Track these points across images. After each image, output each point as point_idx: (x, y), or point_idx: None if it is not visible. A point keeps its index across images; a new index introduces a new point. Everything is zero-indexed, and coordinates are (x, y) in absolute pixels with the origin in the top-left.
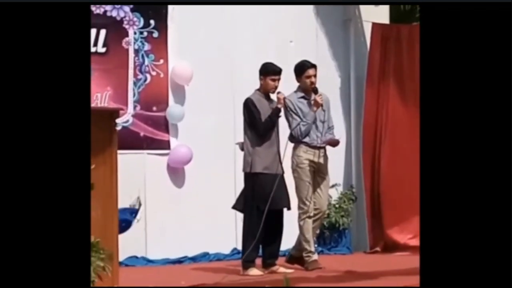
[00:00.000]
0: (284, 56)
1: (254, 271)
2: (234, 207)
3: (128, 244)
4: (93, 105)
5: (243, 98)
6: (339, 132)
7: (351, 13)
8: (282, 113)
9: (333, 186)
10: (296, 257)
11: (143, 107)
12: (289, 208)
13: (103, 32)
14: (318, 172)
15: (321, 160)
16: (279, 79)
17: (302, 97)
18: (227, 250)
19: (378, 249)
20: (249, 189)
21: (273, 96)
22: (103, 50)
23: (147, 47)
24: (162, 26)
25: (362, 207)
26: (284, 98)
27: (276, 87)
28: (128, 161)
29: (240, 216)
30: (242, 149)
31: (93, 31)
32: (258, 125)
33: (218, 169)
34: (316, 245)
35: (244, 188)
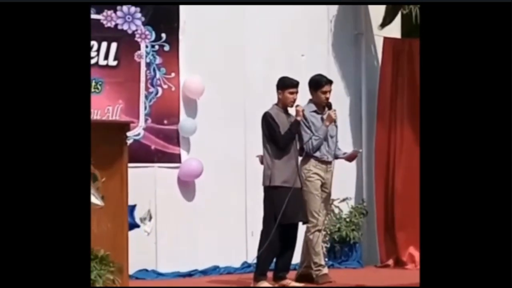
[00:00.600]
0: (295, 70)
1: (265, 284)
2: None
3: (138, 257)
4: (104, 118)
5: (255, 112)
6: (348, 146)
7: (363, 27)
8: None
9: (344, 200)
10: (304, 274)
11: (154, 120)
12: (305, 222)
13: (114, 45)
14: (322, 186)
15: (328, 176)
16: (297, 92)
17: (314, 111)
18: (237, 264)
19: (389, 263)
20: (268, 202)
21: (290, 110)
22: (114, 63)
23: (158, 60)
24: (173, 39)
25: (373, 221)
26: (303, 111)
27: (294, 100)
28: (139, 174)
29: (250, 229)
30: (262, 162)
31: (104, 44)
32: (278, 138)
33: (229, 182)
34: (326, 259)
35: (264, 202)
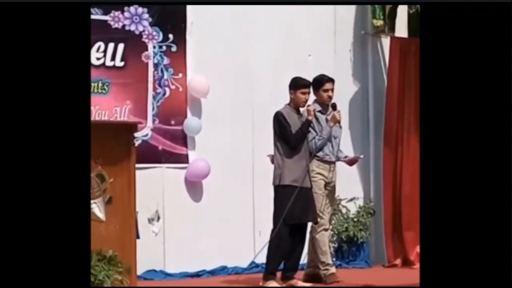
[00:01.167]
0: (302, 70)
1: (274, 284)
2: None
3: (146, 258)
4: (112, 118)
5: (261, 111)
6: (356, 145)
7: (369, 27)
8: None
9: (351, 199)
10: (312, 274)
11: (161, 121)
12: (315, 222)
13: (121, 46)
14: (326, 186)
15: (332, 175)
16: (309, 93)
17: (319, 111)
18: (245, 264)
19: (397, 263)
20: (278, 201)
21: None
22: (121, 64)
23: (166, 61)
24: (180, 40)
25: (380, 221)
26: (314, 110)
27: (306, 100)
28: (147, 175)
29: (257, 229)
30: (272, 162)
31: (111, 45)
32: (290, 138)
33: (236, 182)
34: (334, 259)
35: (274, 201)
